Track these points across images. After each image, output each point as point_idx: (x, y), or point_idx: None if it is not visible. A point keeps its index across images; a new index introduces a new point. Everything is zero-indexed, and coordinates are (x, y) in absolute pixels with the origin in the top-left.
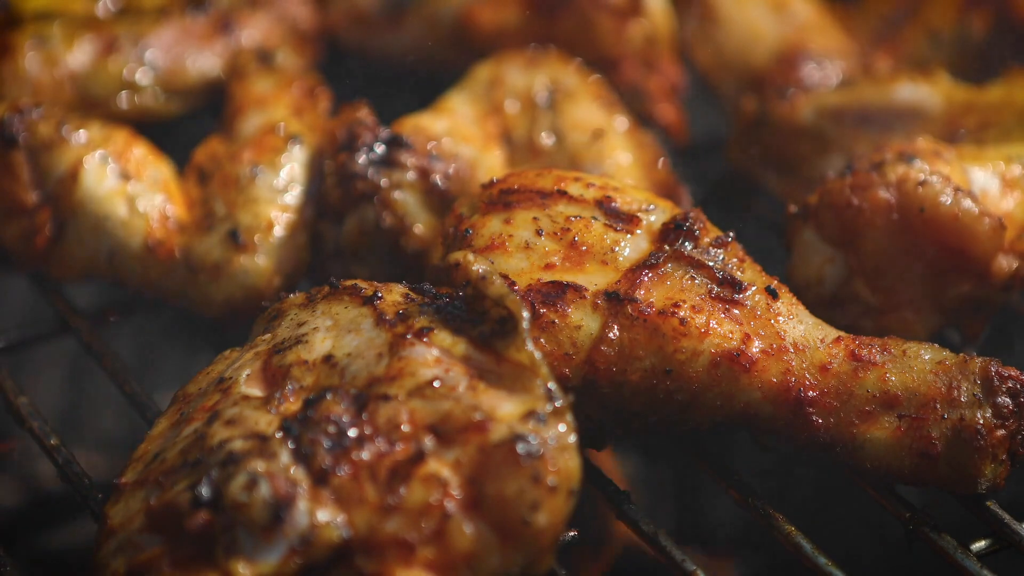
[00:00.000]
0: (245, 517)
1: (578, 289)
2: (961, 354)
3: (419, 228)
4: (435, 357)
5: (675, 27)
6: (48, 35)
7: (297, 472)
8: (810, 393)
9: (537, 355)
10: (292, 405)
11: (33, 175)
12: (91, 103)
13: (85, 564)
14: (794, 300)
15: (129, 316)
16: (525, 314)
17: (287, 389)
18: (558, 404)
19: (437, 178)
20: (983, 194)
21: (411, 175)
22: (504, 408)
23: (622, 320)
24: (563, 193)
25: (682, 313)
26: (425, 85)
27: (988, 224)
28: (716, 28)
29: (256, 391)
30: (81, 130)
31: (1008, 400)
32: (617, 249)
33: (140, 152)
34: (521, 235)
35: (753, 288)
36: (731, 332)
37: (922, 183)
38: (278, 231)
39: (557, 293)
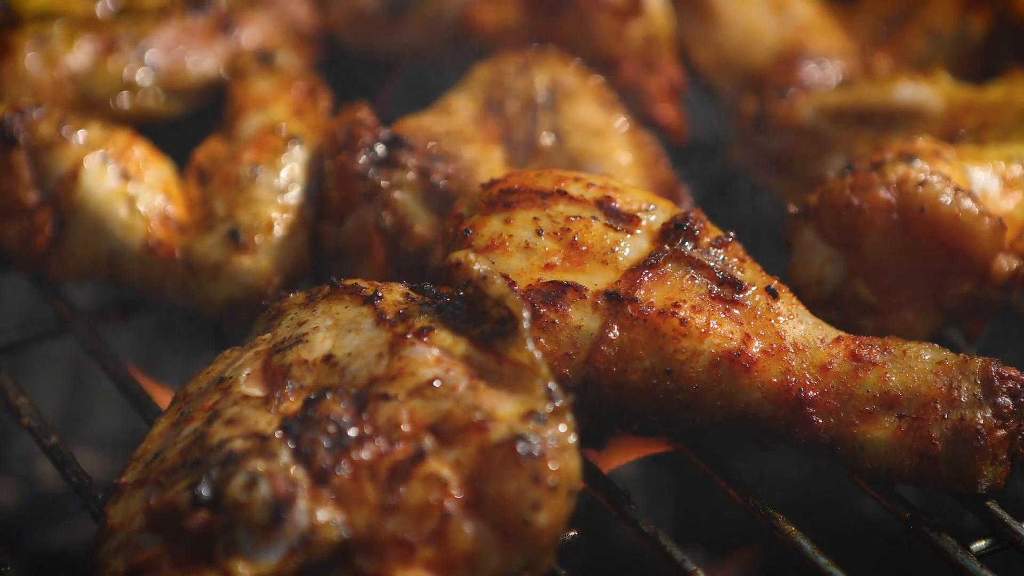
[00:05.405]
0: (245, 517)
1: (578, 289)
2: (961, 354)
3: (419, 228)
4: (435, 357)
5: (675, 27)
6: (48, 35)
7: (297, 472)
8: (810, 393)
9: (537, 355)
10: (292, 405)
11: (33, 175)
12: (91, 103)
13: (85, 564)
14: (794, 300)
15: (129, 316)
16: (525, 314)
17: (287, 388)
18: (558, 404)
19: (437, 178)
20: (983, 194)
21: (411, 175)
22: (504, 408)
23: (622, 320)
24: (563, 193)
25: (682, 313)
26: (425, 85)
27: (988, 224)
28: (716, 28)
29: (256, 391)
30: (81, 130)
31: (1008, 400)
32: (617, 249)
33: (140, 152)
34: (521, 235)
35: (753, 288)
36: (731, 332)
37: (922, 183)
38: (278, 231)
39: (557, 293)
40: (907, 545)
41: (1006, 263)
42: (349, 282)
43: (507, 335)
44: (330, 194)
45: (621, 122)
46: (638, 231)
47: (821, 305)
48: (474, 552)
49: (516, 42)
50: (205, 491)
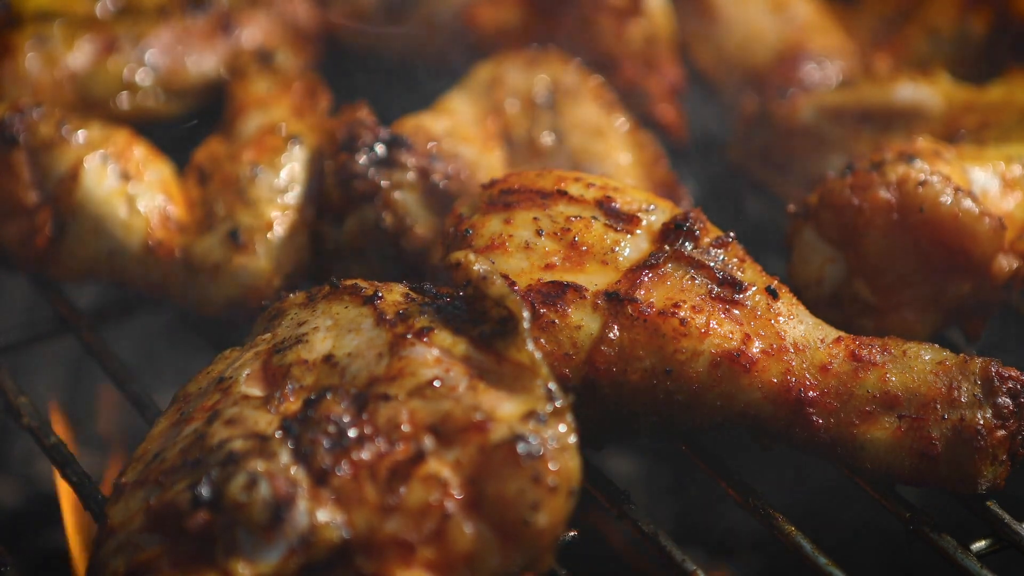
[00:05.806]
0: (245, 517)
1: (578, 289)
2: (961, 354)
3: (419, 228)
4: (435, 357)
5: (675, 27)
6: (48, 35)
7: (297, 472)
8: (810, 393)
9: (537, 355)
10: (292, 405)
11: (33, 175)
12: (91, 103)
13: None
14: (794, 300)
15: (129, 316)
16: (525, 314)
17: (287, 389)
18: (558, 404)
19: (437, 178)
20: (983, 194)
21: (411, 175)
22: (504, 408)
23: (622, 320)
24: (563, 193)
25: (682, 313)
26: (425, 85)
27: (988, 224)
28: (716, 28)
29: (256, 391)
30: (81, 130)
31: (1008, 400)
32: (617, 249)
33: (140, 152)
34: (521, 235)
35: (753, 288)
36: (731, 332)
37: (922, 183)
38: (278, 231)
39: (557, 293)
40: (907, 545)
41: (1006, 263)
42: (349, 282)
43: (507, 335)
44: (330, 194)
45: (621, 122)
46: (638, 231)
47: (821, 305)
48: (474, 552)
49: (516, 42)
50: (205, 491)
